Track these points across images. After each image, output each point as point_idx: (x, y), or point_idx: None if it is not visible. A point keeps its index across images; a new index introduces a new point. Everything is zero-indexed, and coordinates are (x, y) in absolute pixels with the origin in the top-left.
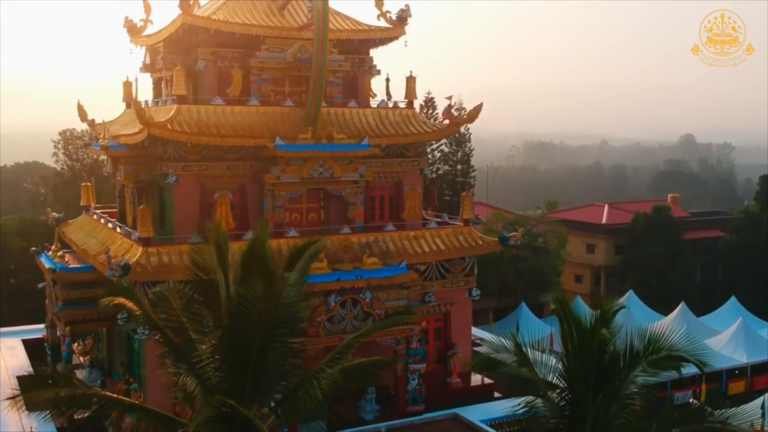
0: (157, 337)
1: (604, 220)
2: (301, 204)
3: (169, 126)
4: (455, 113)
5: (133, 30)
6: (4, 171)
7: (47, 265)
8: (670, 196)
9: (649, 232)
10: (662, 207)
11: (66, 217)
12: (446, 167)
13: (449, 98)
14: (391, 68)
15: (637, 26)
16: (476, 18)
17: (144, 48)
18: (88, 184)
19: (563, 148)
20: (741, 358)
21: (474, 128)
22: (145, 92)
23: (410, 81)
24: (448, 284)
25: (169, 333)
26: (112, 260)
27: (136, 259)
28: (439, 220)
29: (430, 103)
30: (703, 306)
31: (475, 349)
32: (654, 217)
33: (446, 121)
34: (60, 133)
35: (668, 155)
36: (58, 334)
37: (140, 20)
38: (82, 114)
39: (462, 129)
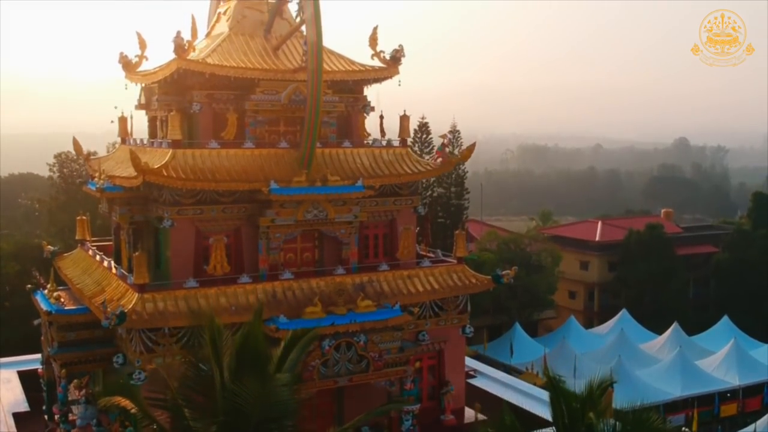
0: (153, 427)
1: (597, 237)
2: (295, 244)
3: (164, 172)
4: (449, 135)
5: (128, 66)
6: (2, 182)
7: (44, 307)
8: (663, 210)
9: (642, 249)
10: (655, 225)
11: (61, 247)
12: (440, 189)
13: (444, 137)
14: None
15: (636, 26)
16: (472, 18)
17: (139, 85)
18: (84, 217)
19: (558, 151)
20: (733, 380)
21: (469, 130)
22: (139, 122)
23: (404, 120)
24: (442, 322)
25: (164, 421)
26: (108, 310)
27: (131, 306)
28: (432, 257)
29: (424, 128)
30: (695, 322)
31: (469, 381)
32: (647, 235)
33: (440, 159)
34: (55, 156)
35: (662, 158)
36: (55, 375)
37: (135, 56)
38: (78, 149)
39: (456, 151)
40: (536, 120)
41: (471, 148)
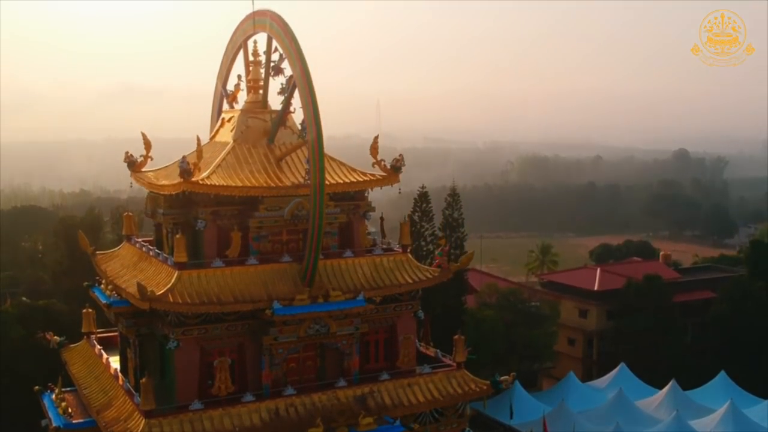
0: None
1: (596, 287)
2: (297, 354)
3: (170, 298)
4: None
5: (133, 165)
6: (3, 215)
7: (52, 421)
8: (661, 254)
9: (641, 301)
10: (653, 276)
11: (66, 312)
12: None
13: (442, 240)
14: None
15: (635, 31)
16: (472, 23)
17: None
18: (90, 310)
19: (558, 162)
20: None
21: (468, 137)
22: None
23: (404, 226)
24: (442, 427)
25: None
26: None
27: None
28: (432, 356)
29: (424, 197)
30: (693, 372)
31: None
32: (645, 286)
33: (439, 266)
34: (60, 221)
35: (662, 170)
36: None
37: (140, 156)
38: (84, 243)
39: (455, 213)
40: (536, 127)
41: (469, 256)
